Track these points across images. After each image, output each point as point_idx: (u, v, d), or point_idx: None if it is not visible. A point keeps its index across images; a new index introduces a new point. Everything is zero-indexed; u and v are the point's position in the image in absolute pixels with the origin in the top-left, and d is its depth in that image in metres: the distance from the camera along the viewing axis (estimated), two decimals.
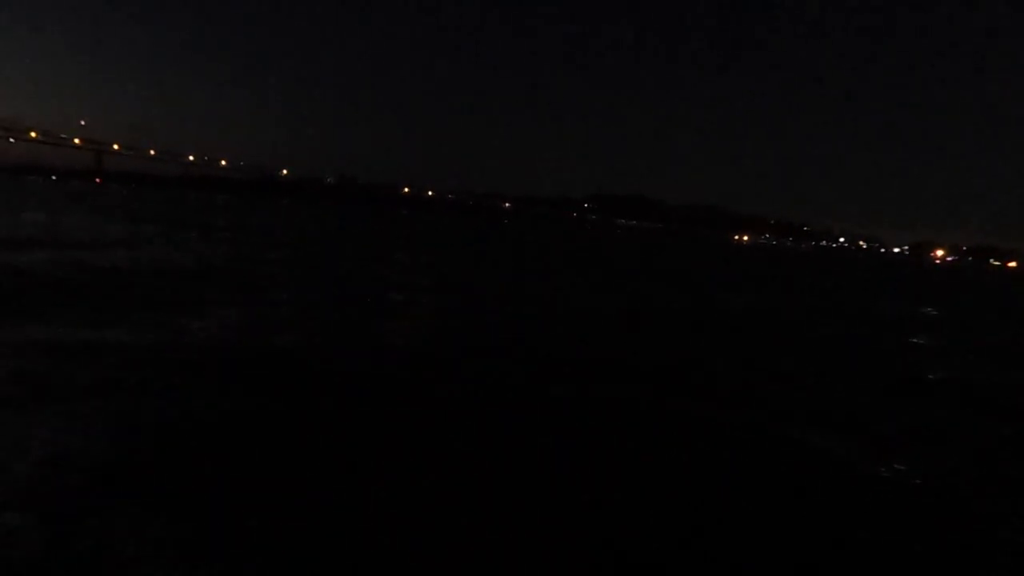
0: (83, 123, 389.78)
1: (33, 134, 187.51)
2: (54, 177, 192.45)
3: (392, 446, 5.95)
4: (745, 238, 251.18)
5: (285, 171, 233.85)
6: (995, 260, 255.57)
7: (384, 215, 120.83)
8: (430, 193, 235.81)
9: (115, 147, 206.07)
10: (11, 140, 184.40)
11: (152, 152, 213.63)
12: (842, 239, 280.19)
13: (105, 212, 45.17)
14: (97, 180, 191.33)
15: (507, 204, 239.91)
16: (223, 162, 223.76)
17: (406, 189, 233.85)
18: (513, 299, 18.32)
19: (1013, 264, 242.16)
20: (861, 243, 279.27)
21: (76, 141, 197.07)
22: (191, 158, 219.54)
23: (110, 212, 45.81)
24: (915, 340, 17.26)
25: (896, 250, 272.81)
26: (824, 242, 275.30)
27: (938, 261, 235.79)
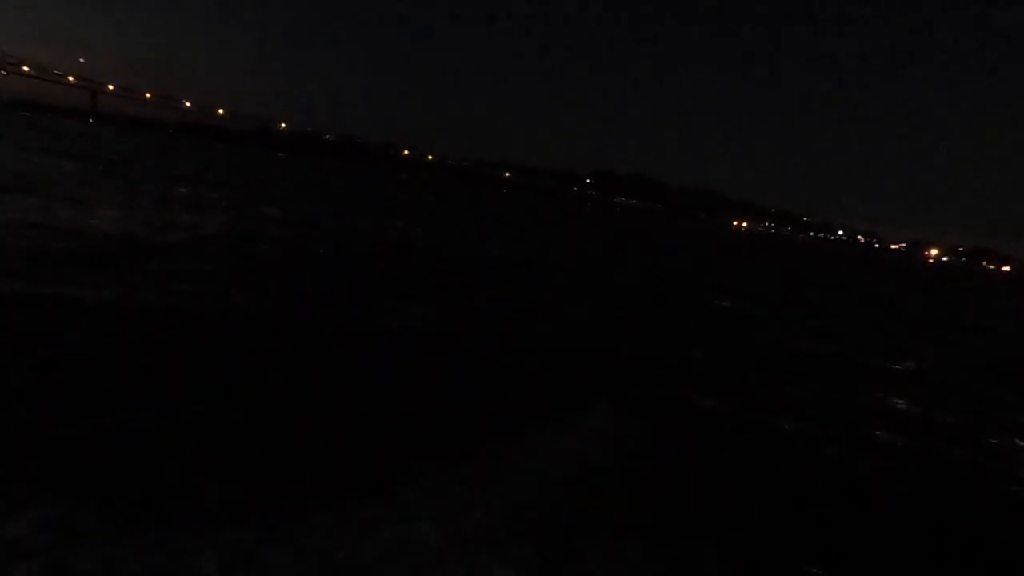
0: (81, 60, 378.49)
1: (26, 68, 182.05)
2: (49, 115, 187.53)
3: None
4: (744, 224, 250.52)
5: (283, 124, 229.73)
6: (989, 263, 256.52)
7: (384, 178, 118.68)
8: (430, 157, 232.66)
9: (110, 88, 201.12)
10: (3, 72, 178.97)
11: (148, 95, 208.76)
12: (840, 232, 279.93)
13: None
14: (90, 120, 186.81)
15: (508, 174, 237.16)
16: (220, 111, 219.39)
17: (406, 152, 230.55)
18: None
19: (1007, 268, 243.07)
20: (859, 238, 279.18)
21: (70, 79, 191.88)
22: (188, 104, 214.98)
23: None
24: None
25: (894, 246, 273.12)
26: (823, 234, 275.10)
27: (931, 260, 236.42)
